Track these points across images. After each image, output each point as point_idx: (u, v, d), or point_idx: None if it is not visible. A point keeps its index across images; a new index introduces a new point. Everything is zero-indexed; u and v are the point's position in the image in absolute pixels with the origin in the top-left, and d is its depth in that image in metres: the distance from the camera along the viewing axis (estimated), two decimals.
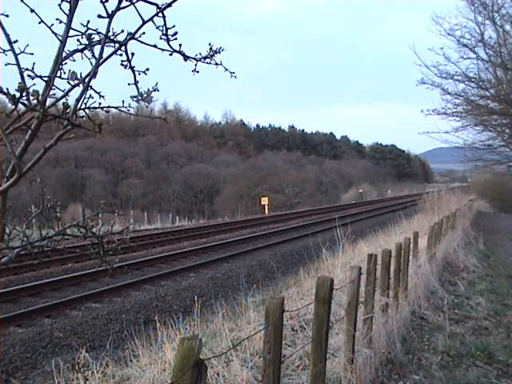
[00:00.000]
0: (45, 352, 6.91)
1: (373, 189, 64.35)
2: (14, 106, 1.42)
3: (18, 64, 1.43)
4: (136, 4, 1.50)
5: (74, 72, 1.48)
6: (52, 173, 51.17)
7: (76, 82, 1.48)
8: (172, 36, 1.57)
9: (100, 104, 1.53)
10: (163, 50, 1.59)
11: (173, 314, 8.44)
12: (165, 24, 1.54)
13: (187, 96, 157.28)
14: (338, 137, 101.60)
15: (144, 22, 1.52)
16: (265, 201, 35.71)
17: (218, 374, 4.39)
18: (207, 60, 1.66)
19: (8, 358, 6.55)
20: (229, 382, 4.31)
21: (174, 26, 1.56)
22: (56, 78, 1.46)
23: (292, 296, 7.45)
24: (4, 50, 1.42)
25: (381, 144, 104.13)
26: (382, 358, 5.21)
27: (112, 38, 1.50)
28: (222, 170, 62.68)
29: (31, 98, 1.39)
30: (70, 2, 1.43)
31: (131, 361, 5.30)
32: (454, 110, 22.11)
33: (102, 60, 1.50)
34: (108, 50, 1.52)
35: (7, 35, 1.41)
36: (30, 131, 1.47)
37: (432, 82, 21.63)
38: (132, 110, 1.60)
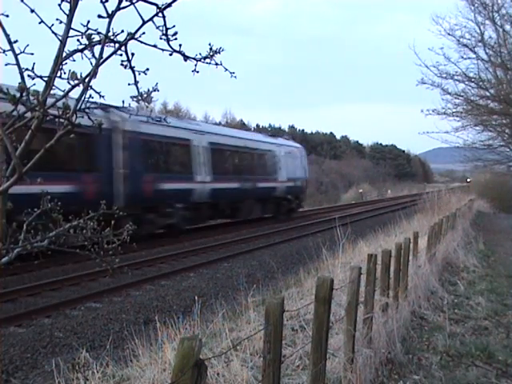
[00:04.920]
0: (45, 352, 6.90)
1: (373, 189, 64.30)
2: (14, 106, 1.42)
3: (18, 64, 1.43)
4: (136, 4, 1.50)
5: (74, 72, 1.48)
6: None
7: (76, 81, 1.48)
8: (172, 36, 1.57)
9: (100, 104, 1.53)
10: (163, 50, 1.59)
11: (173, 313, 8.43)
12: (165, 24, 1.55)
13: (187, 96, 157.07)
14: (338, 137, 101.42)
15: (144, 22, 1.52)
16: None
17: (218, 374, 4.39)
18: (207, 60, 1.66)
19: (8, 358, 6.55)
20: (229, 381, 4.31)
21: (174, 26, 1.56)
22: (56, 78, 1.46)
23: (292, 296, 7.45)
24: (4, 50, 1.42)
25: (381, 144, 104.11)
26: (382, 357, 5.21)
27: (112, 37, 1.50)
28: None
29: (31, 98, 1.39)
30: (70, 2, 1.43)
31: (131, 361, 5.29)
32: (454, 110, 22.18)
33: (102, 60, 1.50)
34: (108, 50, 1.52)
35: (7, 35, 1.41)
36: (30, 131, 1.47)
37: (432, 82, 21.71)
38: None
